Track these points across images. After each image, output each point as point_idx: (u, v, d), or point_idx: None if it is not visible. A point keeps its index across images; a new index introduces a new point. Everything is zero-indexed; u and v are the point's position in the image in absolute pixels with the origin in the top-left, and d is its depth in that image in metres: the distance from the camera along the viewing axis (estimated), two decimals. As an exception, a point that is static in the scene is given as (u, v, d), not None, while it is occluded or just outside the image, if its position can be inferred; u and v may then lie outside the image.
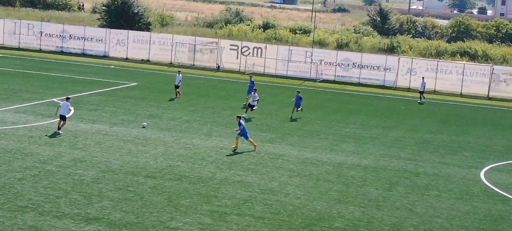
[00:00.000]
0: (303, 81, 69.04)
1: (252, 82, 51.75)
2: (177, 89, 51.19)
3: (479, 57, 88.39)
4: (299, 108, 46.43)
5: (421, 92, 61.17)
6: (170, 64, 73.21)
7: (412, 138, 43.00)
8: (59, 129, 36.18)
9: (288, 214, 25.78)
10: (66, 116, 36.57)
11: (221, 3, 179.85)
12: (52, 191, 26.04)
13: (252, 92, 45.80)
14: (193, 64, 74.19)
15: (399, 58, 71.72)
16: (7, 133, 35.15)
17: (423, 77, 63.59)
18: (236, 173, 30.96)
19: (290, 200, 27.58)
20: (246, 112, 44.97)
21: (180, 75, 51.67)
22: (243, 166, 32.22)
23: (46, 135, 35.23)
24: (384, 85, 69.64)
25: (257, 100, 45.76)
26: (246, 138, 35.50)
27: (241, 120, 35.79)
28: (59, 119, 36.42)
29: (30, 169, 28.83)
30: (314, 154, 36.08)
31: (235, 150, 35.27)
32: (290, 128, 43.00)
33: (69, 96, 38.61)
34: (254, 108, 45.33)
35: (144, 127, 38.87)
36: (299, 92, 47.06)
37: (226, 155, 34.16)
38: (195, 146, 35.70)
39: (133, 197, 26.21)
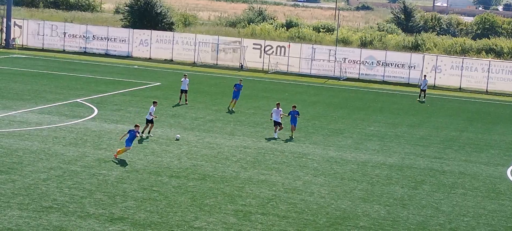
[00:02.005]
0: (326, 79, 68.80)
1: (241, 86, 47.55)
2: (186, 95, 47.70)
3: (505, 54, 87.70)
4: (295, 126, 39.10)
5: (423, 90, 59.66)
6: (193, 64, 73.30)
7: (437, 136, 42.62)
8: (149, 132, 36.28)
9: (312, 213, 25.61)
10: (150, 119, 36.32)
11: (244, 2, 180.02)
12: (77, 191, 26.09)
13: (276, 108, 38.74)
14: (216, 64, 74.21)
15: (423, 56, 71.25)
16: (32, 133, 35.30)
17: (424, 75, 62.73)
18: (260, 172, 30.84)
19: (315, 199, 27.41)
20: (276, 132, 38.41)
21: (187, 79, 48.34)
22: (267, 165, 32.09)
23: (70, 135, 35.34)
24: (408, 83, 69.20)
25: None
26: (126, 146, 31.87)
27: (139, 131, 32.38)
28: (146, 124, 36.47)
29: (55, 170, 28.91)
30: (339, 153, 35.86)
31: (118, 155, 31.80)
32: (314, 126, 42.79)
33: (155, 101, 38.12)
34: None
35: (177, 139, 36.13)
36: (295, 107, 39.20)
37: (250, 155, 34.05)
38: (218, 145, 35.63)
39: (157, 196, 26.18)
